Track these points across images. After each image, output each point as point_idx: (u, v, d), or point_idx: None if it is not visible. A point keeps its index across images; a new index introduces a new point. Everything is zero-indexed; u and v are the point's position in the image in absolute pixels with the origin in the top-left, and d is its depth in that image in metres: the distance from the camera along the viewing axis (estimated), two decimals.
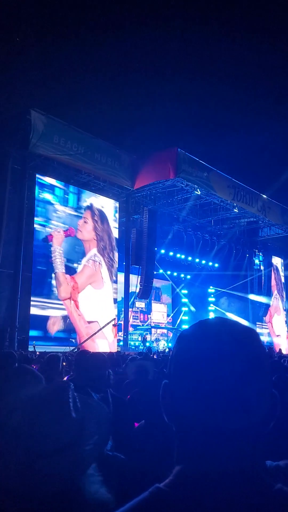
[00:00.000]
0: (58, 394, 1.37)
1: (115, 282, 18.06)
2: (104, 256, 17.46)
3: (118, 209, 18.80)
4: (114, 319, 17.04)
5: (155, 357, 11.22)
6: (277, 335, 26.33)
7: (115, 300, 18.00)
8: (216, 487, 0.78)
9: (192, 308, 26.01)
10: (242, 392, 0.80)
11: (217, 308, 26.75)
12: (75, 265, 16.46)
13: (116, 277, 18.11)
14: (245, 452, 0.80)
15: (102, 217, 17.73)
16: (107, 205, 18.35)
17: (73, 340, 15.53)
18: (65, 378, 4.55)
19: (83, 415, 1.34)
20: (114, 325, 16.81)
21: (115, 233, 18.33)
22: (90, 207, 17.37)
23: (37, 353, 10.74)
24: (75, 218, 16.86)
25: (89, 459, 1.32)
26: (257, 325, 25.09)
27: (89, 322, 16.44)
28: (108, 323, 16.06)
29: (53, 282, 15.69)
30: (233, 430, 0.79)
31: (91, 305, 16.64)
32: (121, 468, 2.07)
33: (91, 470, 1.35)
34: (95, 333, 15.76)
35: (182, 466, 0.82)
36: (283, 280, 27.47)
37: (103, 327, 15.98)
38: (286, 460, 1.16)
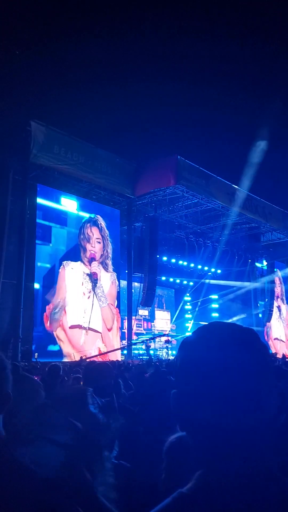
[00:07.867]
0: (78, 394, 1.64)
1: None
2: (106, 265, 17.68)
3: (119, 217, 18.84)
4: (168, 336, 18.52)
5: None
6: (282, 341, 26.25)
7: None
8: (236, 488, 0.79)
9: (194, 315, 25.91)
10: (253, 391, 0.81)
11: (220, 314, 26.64)
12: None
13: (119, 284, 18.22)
14: (259, 450, 0.82)
15: (102, 227, 17.90)
16: (108, 214, 18.41)
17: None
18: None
19: (101, 414, 1.55)
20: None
21: (117, 241, 18.40)
22: (95, 223, 17.53)
23: (39, 364, 10.69)
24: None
25: (101, 449, 1.49)
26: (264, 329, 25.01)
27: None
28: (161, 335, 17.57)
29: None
30: (247, 430, 0.80)
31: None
32: (126, 476, 2.09)
33: (107, 471, 1.45)
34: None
35: (202, 470, 0.83)
36: (284, 286, 27.41)
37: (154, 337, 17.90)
38: None
